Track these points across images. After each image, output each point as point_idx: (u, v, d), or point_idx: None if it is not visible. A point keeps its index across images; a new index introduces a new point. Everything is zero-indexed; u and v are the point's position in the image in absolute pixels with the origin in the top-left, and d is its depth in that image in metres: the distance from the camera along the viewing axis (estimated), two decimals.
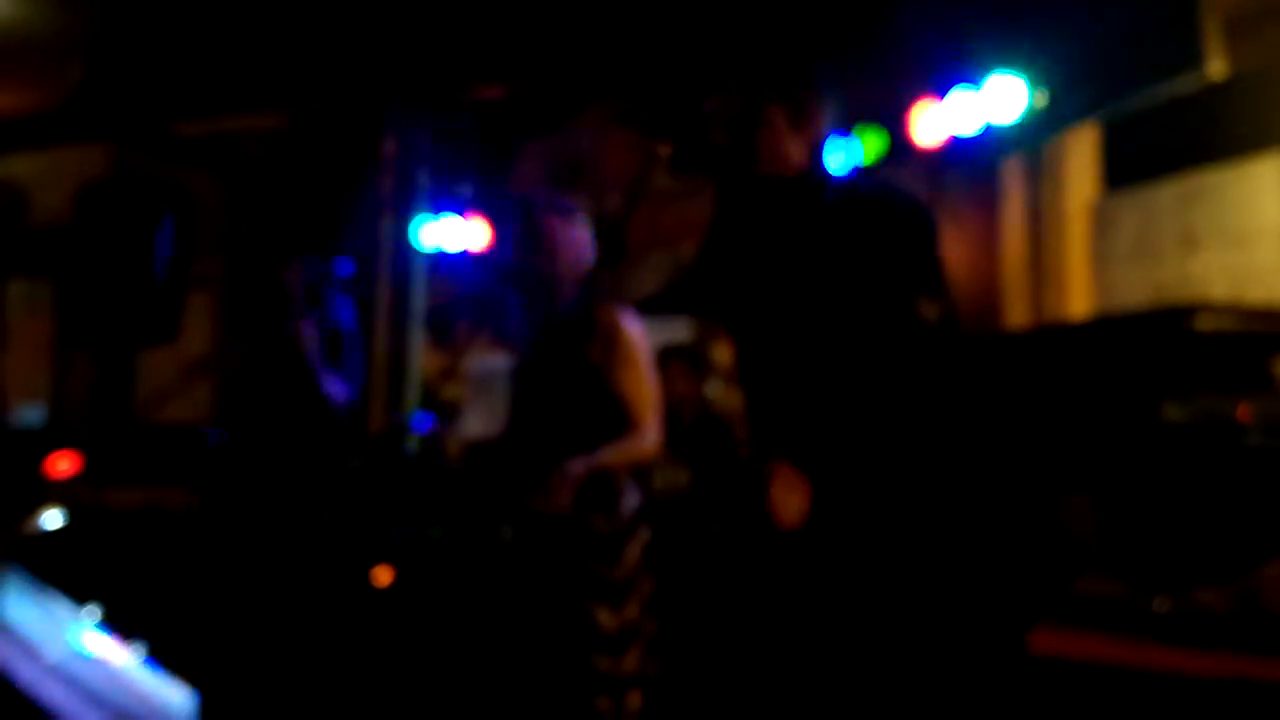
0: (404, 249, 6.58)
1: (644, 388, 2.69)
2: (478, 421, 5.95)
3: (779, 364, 2.02)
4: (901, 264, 1.89)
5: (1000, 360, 3.06)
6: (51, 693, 1.44)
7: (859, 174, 2.09)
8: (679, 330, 6.41)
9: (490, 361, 6.04)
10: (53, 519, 1.94)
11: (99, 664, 1.63)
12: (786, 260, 2.01)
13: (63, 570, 1.98)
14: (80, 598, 1.71)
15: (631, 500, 2.69)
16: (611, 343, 2.65)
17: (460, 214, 6.19)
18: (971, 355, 3.08)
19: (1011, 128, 4.16)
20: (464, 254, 6.12)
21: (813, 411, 1.91)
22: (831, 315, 1.92)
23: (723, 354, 6.59)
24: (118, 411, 6.27)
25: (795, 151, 2.04)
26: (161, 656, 1.74)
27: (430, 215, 6.49)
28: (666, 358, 5.13)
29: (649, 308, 6.00)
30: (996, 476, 2.36)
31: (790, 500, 1.76)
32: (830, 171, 2.11)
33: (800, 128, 2.04)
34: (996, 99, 4.08)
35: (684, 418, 4.81)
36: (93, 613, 1.67)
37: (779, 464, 1.79)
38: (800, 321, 1.95)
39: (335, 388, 3.67)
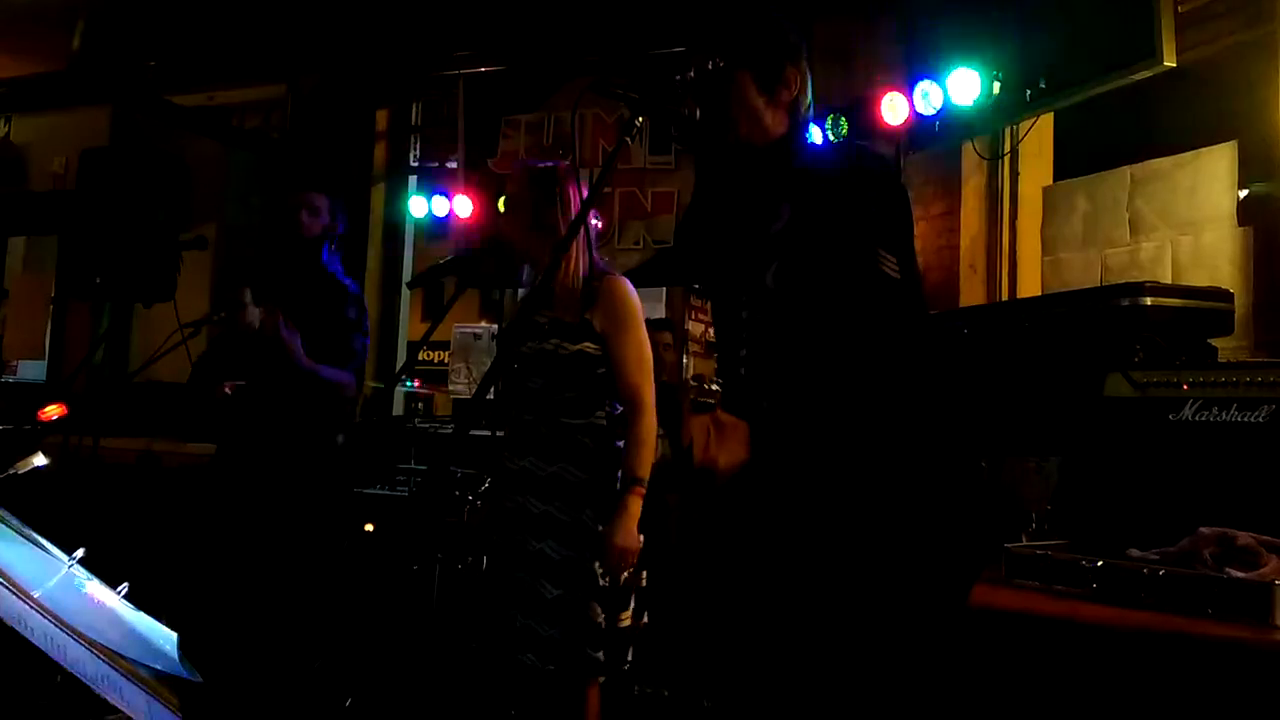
0: (394, 217, 6.54)
1: (644, 357, 2.61)
2: (460, 383, 5.95)
3: (742, 322, 1.99)
4: (865, 219, 1.82)
5: (956, 334, 3.06)
6: (35, 626, 1.41)
7: (834, 145, 2.00)
8: (656, 304, 6.43)
9: (472, 328, 6.03)
10: (40, 462, 1.91)
11: (84, 600, 1.60)
12: (752, 225, 1.97)
13: (51, 512, 1.95)
14: (67, 538, 1.68)
15: None
16: (615, 310, 2.56)
17: (447, 185, 6.16)
18: (931, 328, 3.10)
19: (970, 116, 4.16)
20: (451, 221, 6.07)
21: (770, 365, 1.88)
22: (795, 272, 1.86)
23: (696, 327, 6.62)
24: (114, 367, 6.21)
25: (770, 120, 1.93)
26: (145, 597, 1.71)
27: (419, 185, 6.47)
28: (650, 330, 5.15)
29: (631, 280, 6.01)
30: (947, 440, 2.36)
31: (728, 447, 1.71)
32: (806, 141, 2.02)
33: (773, 94, 1.93)
34: (956, 89, 4.08)
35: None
36: (79, 553, 1.64)
37: (717, 412, 1.74)
38: (764, 280, 1.91)
39: (334, 375, 3.43)
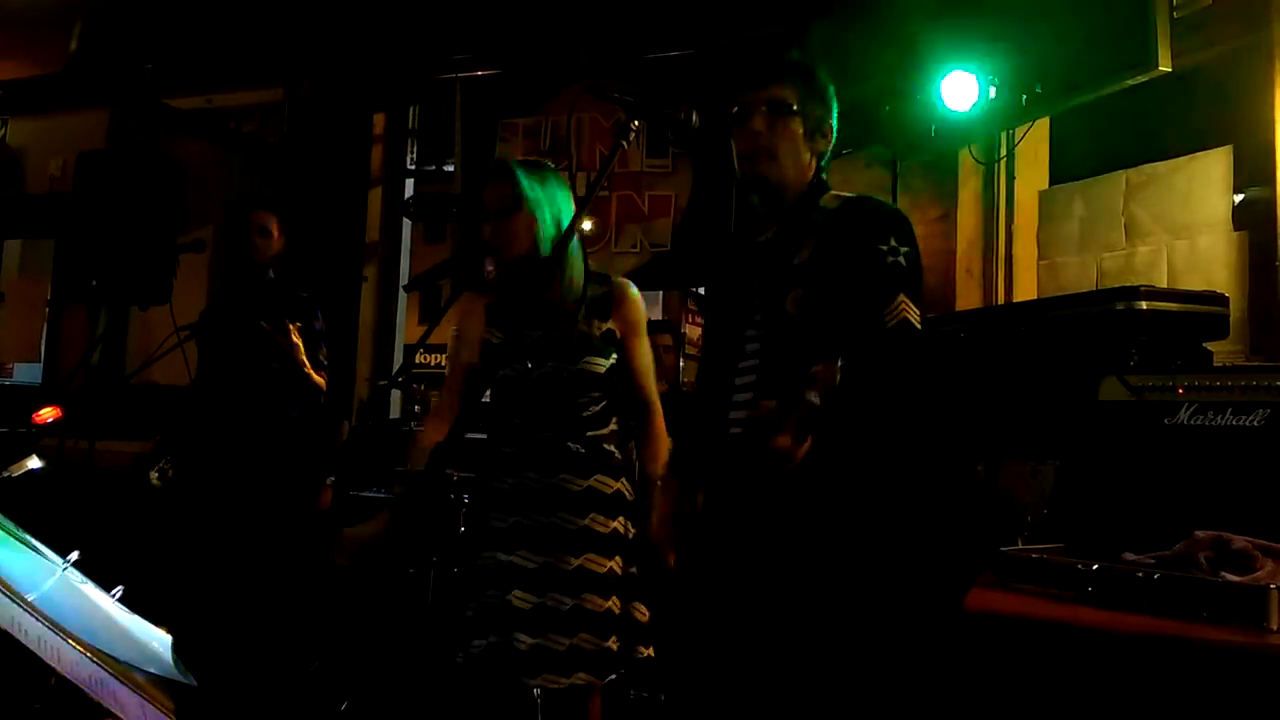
0: (391, 220, 6.54)
1: (652, 359, 2.61)
2: None
3: (745, 354, 2.03)
4: (893, 266, 1.93)
5: (952, 337, 3.07)
6: (30, 629, 1.41)
7: (856, 197, 2.10)
8: (654, 307, 6.43)
9: None
10: (35, 465, 1.90)
11: (79, 604, 1.59)
12: (774, 256, 2.03)
13: (46, 515, 1.95)
14: (62, 541, 1.68)
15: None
16: (634, 316, 2.52)
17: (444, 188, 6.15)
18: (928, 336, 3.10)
19: (966, 120, 4.16)
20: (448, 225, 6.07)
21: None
22: (819, 301, 1.95)
23: (694, 330, 6.62)
24: (110, 370, 6.20)
25: (806, 161, 2.11)
26: (140, 600, 1.71)
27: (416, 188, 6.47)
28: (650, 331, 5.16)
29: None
30: (945, 445, 2.37)
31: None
32: (828, 186, 2.14)
33: (813, 139, 2.11)
34: (953, 93, 4.09)
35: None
36: (73, 556, 1.63)
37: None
38: (783, 306, 1.98)
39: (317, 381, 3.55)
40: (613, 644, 2.43)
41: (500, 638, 2.39)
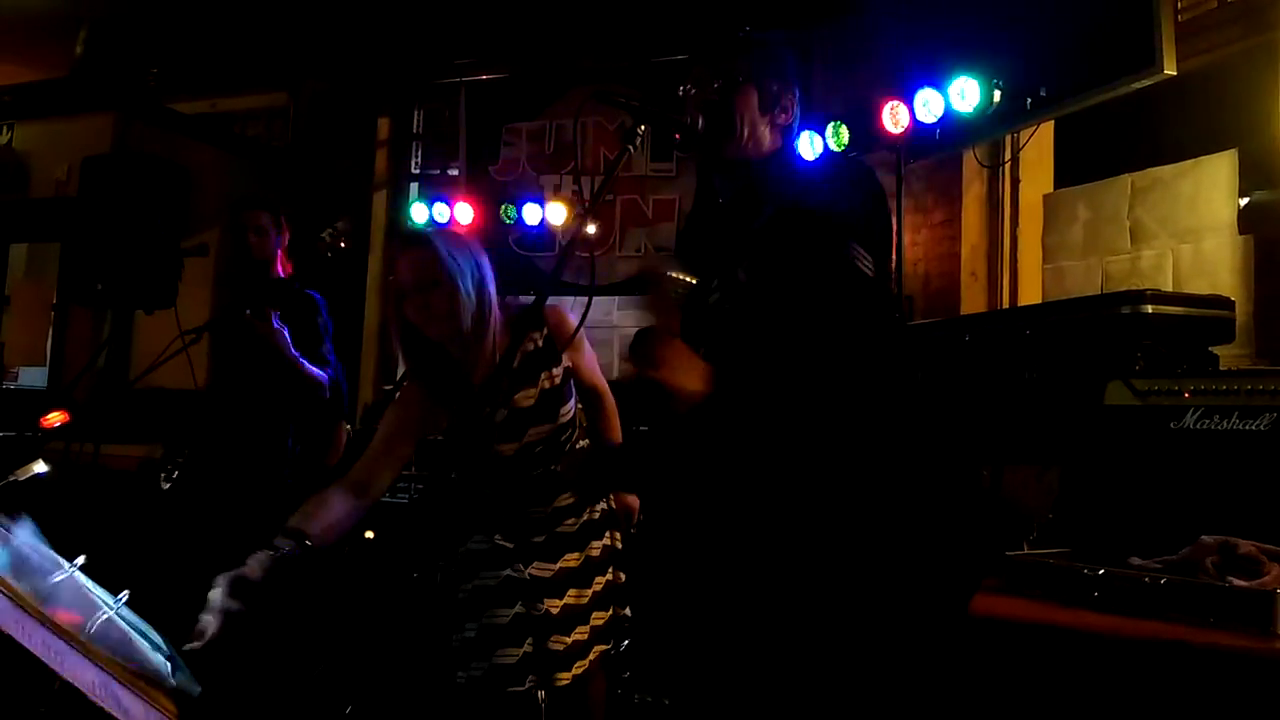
0: (395, 224, 6.55)
1: (594, 356, 2.62)
2: None
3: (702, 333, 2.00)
4: (841, 214, 1.87)
5: (956, 341, 3.06)
6: (34, 633, 1.40)
7: (821, 155, 2.06)
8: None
9: None
10: (41, 469, 1.90)
11: (84, 608, 1.59)
12: (737, 226, 2.01)
13: (51, 519, 1.94)
14: (68, 545, 1.68)
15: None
16: (575, 337, 2.45)
17: (448, 192, 6.16)
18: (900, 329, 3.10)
19: (971, 123, 4.16)
20: (452, 229, 6.07)
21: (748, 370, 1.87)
22: (767, 265, 1.90)
23: None
24: (115, 374, 6.21)
25: (766, 136, 2.06)
26: (145, 605, 1.71)
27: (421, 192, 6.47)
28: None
29: (632, 286, 6.05)
30: (950, 449, 2.36)
31: (684, 369, 1.71)
32: (795, 154, 2.12)
33: (771, 112, 2.06)
34: (958, 97, 4.09)
35: None
36: (79, 560, 1.63)
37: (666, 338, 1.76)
38: (737, 276, 1.94)
39: (314, 372, 3.48)
40: (614, 611, 2.55)
41: (534, 647, 2.39)
